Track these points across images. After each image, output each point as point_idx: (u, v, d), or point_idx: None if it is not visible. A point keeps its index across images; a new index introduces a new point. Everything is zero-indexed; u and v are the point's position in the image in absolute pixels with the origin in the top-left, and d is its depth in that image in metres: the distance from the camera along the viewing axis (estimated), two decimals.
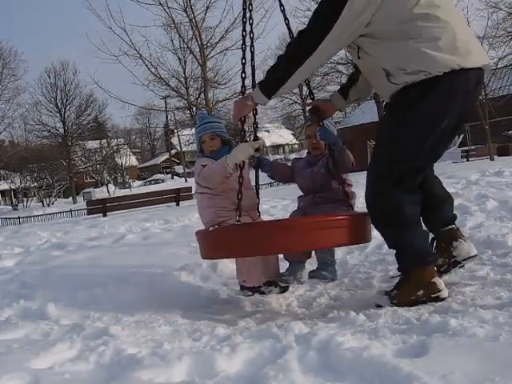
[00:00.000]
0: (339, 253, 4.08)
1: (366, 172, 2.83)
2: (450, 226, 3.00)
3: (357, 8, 2.49)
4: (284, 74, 2.64)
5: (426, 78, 2.53)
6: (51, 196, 46.07)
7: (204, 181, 3.30)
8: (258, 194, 3.47)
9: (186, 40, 17.45)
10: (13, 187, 45.16)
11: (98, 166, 49.77)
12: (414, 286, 2.71)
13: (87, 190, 48.09)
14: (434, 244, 3.02)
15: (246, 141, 3.12)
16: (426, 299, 2.68)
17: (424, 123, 2.61)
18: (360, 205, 3.45)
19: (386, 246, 4.09)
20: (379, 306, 2.72)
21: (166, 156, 62.91)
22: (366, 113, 33.89)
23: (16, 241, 7.93)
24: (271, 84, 2.71)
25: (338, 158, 3.20)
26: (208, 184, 3.30)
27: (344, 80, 23.91)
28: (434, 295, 2.69)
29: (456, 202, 4.99)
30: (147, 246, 5.38)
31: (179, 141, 51.14)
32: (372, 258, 3.96)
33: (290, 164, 3.76)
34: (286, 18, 3.25)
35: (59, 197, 47.58)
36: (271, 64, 2.75)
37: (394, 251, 2.88)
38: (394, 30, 2.55)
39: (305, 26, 2.64)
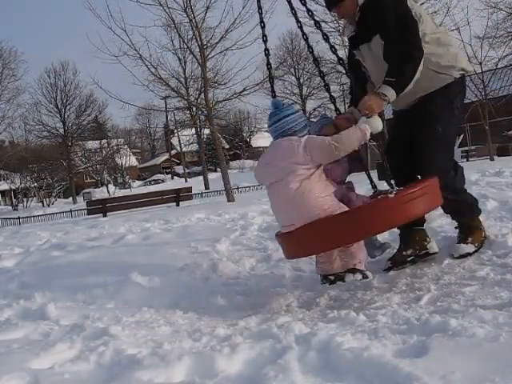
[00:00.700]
0: None
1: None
2: (423, 227, 3.62)
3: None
4: (410, 77, 3.16)
5: (460, 76, 3.35)
6: (51, 196, 46.04)
7: (339, 145, 2.91)
8: None
9: (186, 40, 17.46)
10: (13, 187, 45.14)
11: (97, 166, 49.73)
12: (479, 230, 3.58)
13: (87, 190, 48.06)
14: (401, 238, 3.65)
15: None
16: (483, 240, 3.54)
17: (460, 113, 3.49)
18: None
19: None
20: (467, 255, 3.41)
21: (166, 156, 62.88)
22: None
23: (16, 241, 7.91)
24: (403, 84, 3.17)
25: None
26: (341, 150, 2.94)
27: (343, 80, 23.97)
28: (485, 236, 3.58)
29: None
30: (147, 246, 5.37)
31: (179, 141, 51.14)
32: (372, 258, 3.95)
33: None
34: (298, 21, 3.52)
35: (59, 197, 47.55)
36: (397, 68, 3.16)
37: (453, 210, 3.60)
38: (433, 37, 3.28)
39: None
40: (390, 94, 3.11)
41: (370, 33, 3.24)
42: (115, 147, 52.13)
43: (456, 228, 3.70)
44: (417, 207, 3.01)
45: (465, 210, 3.59)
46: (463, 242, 3.51)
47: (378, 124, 3.11)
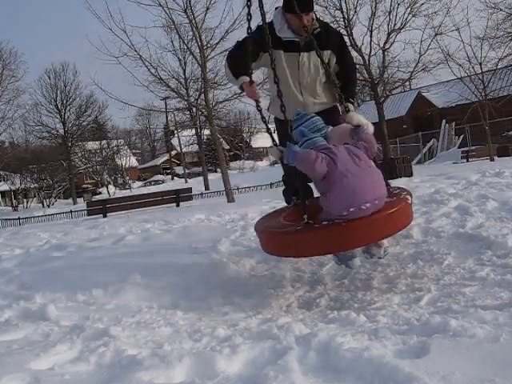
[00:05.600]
0: None
1: None
2: None
3: None
4: None
5: None
6: (51, 197, 45.99)
7: None
8: None
9: (186, 41, 17.49)
10: (13, 188, 45.09)
11: (98, 166, 49.67)
12: None
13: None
14: None
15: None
16: None
17: None
18: None
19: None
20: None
21: (166, 157, 62.87)
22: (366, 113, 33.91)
23: (16, 242, 7.91)
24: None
25: None
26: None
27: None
28: None
29: (456, 203, 5.01)
30: (147, 246, 5.37)
31: (179, 142, 51.11)
32: (372, 259, 3.95)
33: None
34: (266, 35, 3.49)
35: (59, 198, 47.49)
36: (354, 92, 4.09)
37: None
38: None
39: None
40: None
41: (320, 47, 3.74)
42: (115, 148, 52.09)
43: None
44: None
45: None
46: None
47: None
